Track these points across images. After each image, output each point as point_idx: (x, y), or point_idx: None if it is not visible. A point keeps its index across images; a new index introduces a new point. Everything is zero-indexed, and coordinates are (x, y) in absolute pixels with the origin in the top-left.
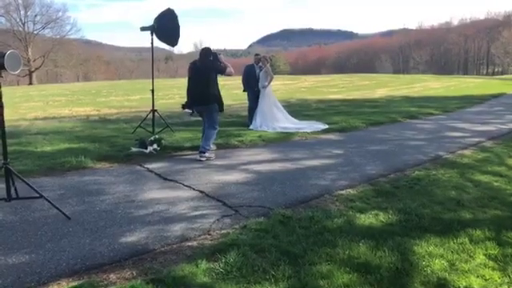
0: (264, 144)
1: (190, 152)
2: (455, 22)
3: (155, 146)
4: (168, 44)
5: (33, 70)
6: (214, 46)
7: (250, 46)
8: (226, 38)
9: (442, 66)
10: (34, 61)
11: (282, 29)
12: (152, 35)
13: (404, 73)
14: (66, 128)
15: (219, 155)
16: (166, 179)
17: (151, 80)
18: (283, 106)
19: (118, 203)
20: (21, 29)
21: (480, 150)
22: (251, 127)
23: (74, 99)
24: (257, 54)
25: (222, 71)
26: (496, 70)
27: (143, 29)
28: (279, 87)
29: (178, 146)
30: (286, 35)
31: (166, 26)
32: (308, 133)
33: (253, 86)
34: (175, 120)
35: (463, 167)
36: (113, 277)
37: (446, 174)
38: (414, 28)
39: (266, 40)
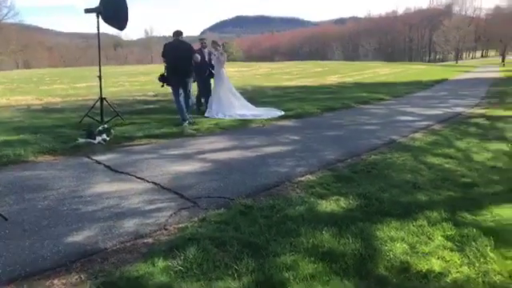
0: (221, 132)
1: (142, 142)
2: (400, 11)
3: (104, 136)
4: (116, 27)
5: None
6: (164, 32)
7: (203, 32)
8: (177, 24)
9: (389, 54)
10: None
11: (235, 15)
12: (98, 18)
13: (354, 60)
14: (3, 119)
15: (174, 144)
16: (116, 171)
17: (98, 66)
18: (239, 93)
19: (63, 199)
20: None
21: (430, 133)
22: (207, 115)
23: (14, 87)
24: (201, 39)
25: (194, 53)
26: (438, 57)
27: (88, 11)
28: (234, 74)
29: (129, 135)
30: (240, 22)
31: (113, 8)
32: (265, 119)
33: (201, 71)
34: (126, 108)
35: (416, 150)
36: (57, 283)
37: (400, 157)
38: (363, 16)
39: (220, 27)
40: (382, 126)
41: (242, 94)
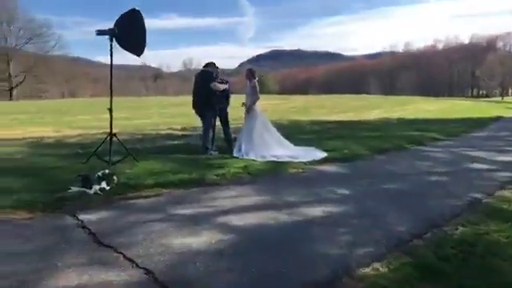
0: (250, 179)
1: (151, 192)
2: (440, 46)
3: (103, 184)
4: (132, 53)
5: (14, 85)
6: (202, 65)
7: (240, 65)
8: (215, 57)
9: (428, 88)
10: (16, 76)
11: (271, 49)
12: (111, 41)
13: (392, 94)
14: (3, 154)
15: (190, 198)
16: (101, 244)
17: (110, 98)
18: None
19: None
20: (3, 43)
21: None
22: (235, 154)
23: (37, 118)
24: (208, 64)
25: (212, 81)
26: (481, 92)
27: (100, 33)
28: (268, 107)
29: (136, 183)
30: (275, 56)
31: (130, 31)
32: (304, 162)
33: (213, 103)
34: (146, 145)
35: None
36: None
37: (500, 231)
38: (401, 51)
39: (256, 60)
40: (452, 178)
41: (276, 129)
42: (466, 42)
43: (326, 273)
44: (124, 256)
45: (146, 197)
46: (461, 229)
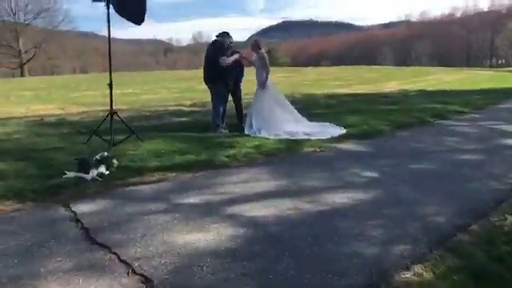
0: (264, 160)
1: (154, 176)
2: (458, 14)
3: (102, 168)
4: (131, 21)
5: (24, 61)
6: (212, 38)
7: (250, 37)
8: (225, 30)
9: (444, 58)
10: (26, 52)
11: (282, 20)
12: (108, 8)
13: (407, 65)
14: (1, 135)
15: (197, 183)
16: (93, 242)
17: (109, 72)
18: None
19: None
20: (11, 19)
21: None
22: (247, 132)
23: (43, 94)
24: (221, 34)
25: (221, 54)
26: (499, 62)
27: None
28: (280, 80)
29: (138, 166)
30: (286, 27)
31: None
32: (322, 140)
33: (225, 76)
34: (152, 122)
35: None
36: None
37: None
38: (416, 20)
39: (266, 32)
40: (486, 156)
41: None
42: (485, 9)
43: (358, 281)
44: (119, 258)
45: (148, 182)
46: (510, 219)
